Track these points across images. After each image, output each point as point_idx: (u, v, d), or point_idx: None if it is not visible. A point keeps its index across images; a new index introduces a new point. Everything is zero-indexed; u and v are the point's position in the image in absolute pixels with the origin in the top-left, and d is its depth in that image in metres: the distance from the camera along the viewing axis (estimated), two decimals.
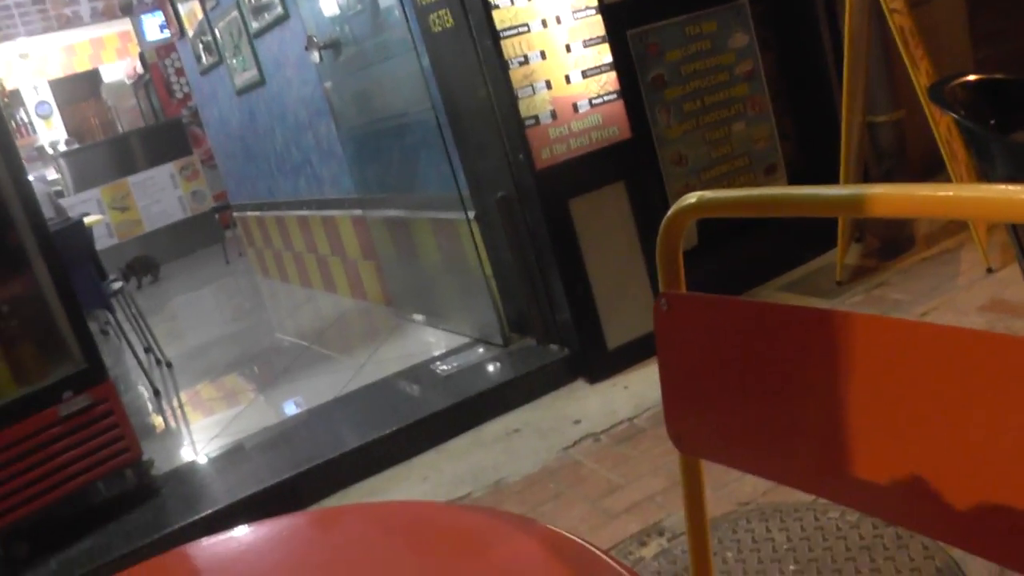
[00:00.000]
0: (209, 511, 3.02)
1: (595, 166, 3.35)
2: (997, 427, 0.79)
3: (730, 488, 2.44)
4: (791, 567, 2.07)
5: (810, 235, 3.96)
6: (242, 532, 1.01)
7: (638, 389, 3.29)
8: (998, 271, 3.31)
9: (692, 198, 1.01)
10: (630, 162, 3.43)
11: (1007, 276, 3.24)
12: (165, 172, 10.06)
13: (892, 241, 3.93)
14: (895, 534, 2.08)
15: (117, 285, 5.14)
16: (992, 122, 2.11)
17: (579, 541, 0.77)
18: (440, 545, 0.86)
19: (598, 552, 0.74)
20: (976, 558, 1.92)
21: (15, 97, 13.08)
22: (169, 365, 5.31)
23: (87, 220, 5.60)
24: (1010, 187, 0.74)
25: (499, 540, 0.86)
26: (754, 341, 0.98)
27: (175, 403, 4.73)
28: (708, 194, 1.00)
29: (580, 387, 3.46)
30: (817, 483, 0.96)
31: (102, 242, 8.71)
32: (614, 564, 0.72)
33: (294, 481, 3.11)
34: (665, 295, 1.04)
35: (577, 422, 3.17)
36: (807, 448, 0.95)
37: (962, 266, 3.51)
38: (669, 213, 1.03)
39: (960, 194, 0.83)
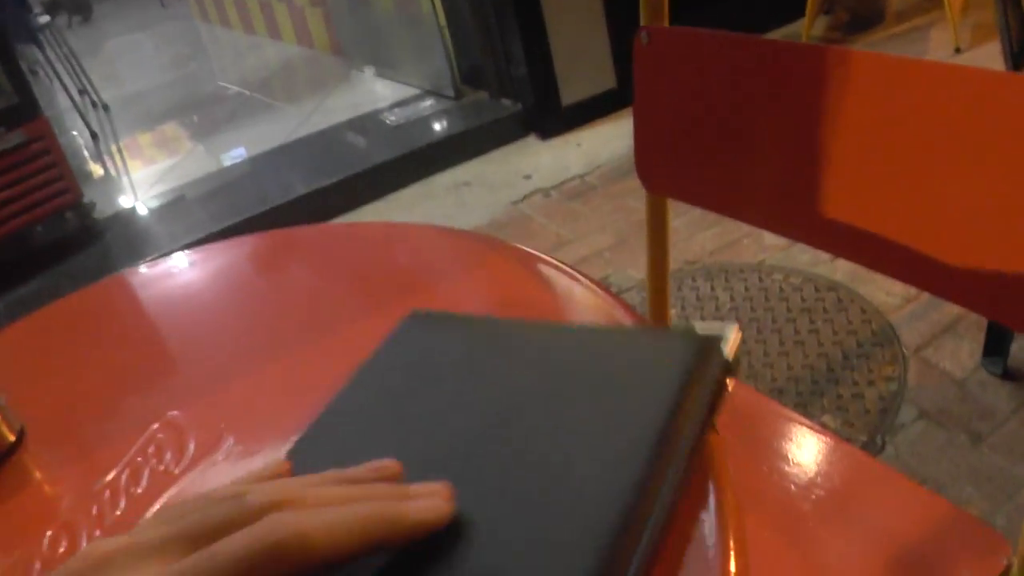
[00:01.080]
0: (155, 256, 3.00)
1: None
2: (970, 166, 0.78)
3: (678, 248, 2.48)
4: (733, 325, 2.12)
5: (777, 3, 3.84)
6: (188, 256, 0.99)
7: (591, 147, 3.26)
8: (966, 51, 3.26)
9: None
10: None
11: (975, 57, 3.20)
12: None
13: (862, 15, 3.84)
14: (836, 298, 2.14)
15: (44, 19, 4.87)
16: None
17: (555, 261, 0.77)
18: (405, 261, 0.85)
19: (577, 273, 0.73)
20: (911, 323, 2.00)
21: None
22: (106, 108, 5.13)
23: None
24: None
25: (470, 255, 0.85)
26: (735, 77, 0.95)
27: (114, 148, 4.60)
28: None
29: (532, 143, 3.42)
30: (788, 223, 0.96)
31: None
32: (589, 282, 0.71)
33: (239, 228, 3.08)
34: (646, 28, 0.99)
35: (528, 177, 3.15)
36: (781, 188, 0.94)
37: (931, 44, 3.46)
38: None
39: None
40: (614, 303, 0.69)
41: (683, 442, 0.45)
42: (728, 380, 0.49)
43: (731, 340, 0.51)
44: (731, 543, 0.44)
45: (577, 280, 0.73)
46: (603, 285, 0.71)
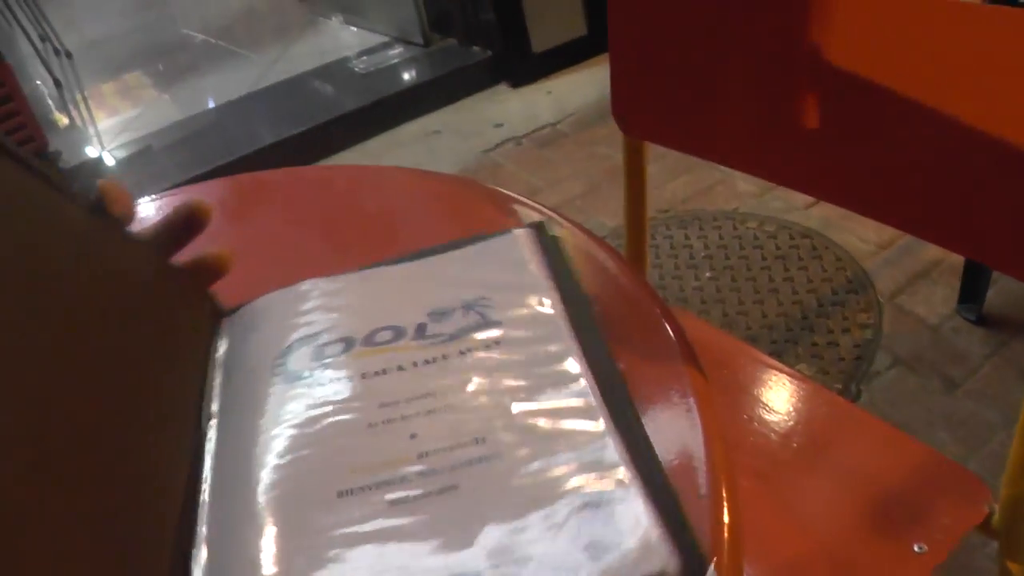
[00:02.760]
0: None
1: None
2: (951, 102, 0.77)
3: (650, 196, 2.43)
4: (707, 274, 2.12)
5: None
6: (156, 200, 0.96)
7: (562, 95, 3.22)
8: None
9: None
10: None
11: None
12: None
13: None
14: (810, 245, 2.13)
15: None
16: None
17: (530, 201, 0.74)
18: (377, 204, 0.82)
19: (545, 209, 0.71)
20: (885, 270, 1.99)
21: None
22: (69, 55, 5.00)
23: None
24: None
25: (442, 198, 0.82)
26: (712, 13, 0.92)
27: (78, 97, 4.50)
28: None
29: (502, 91, 3.37)
30: (767, 165, 0.94)
31: None
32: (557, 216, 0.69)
33: (206, 177, 2.98)
34: None
35: (498, 125, 3.11)
36: (760, 129, 0.91)
37: None
38: None
39: None
40: (593, 243, 0.67)
41: None
42: None
43: None
44: (723, 493, 0.42)
45: (553, 220, 0.71)
46: (581, 226, 0.68)
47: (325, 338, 0.54)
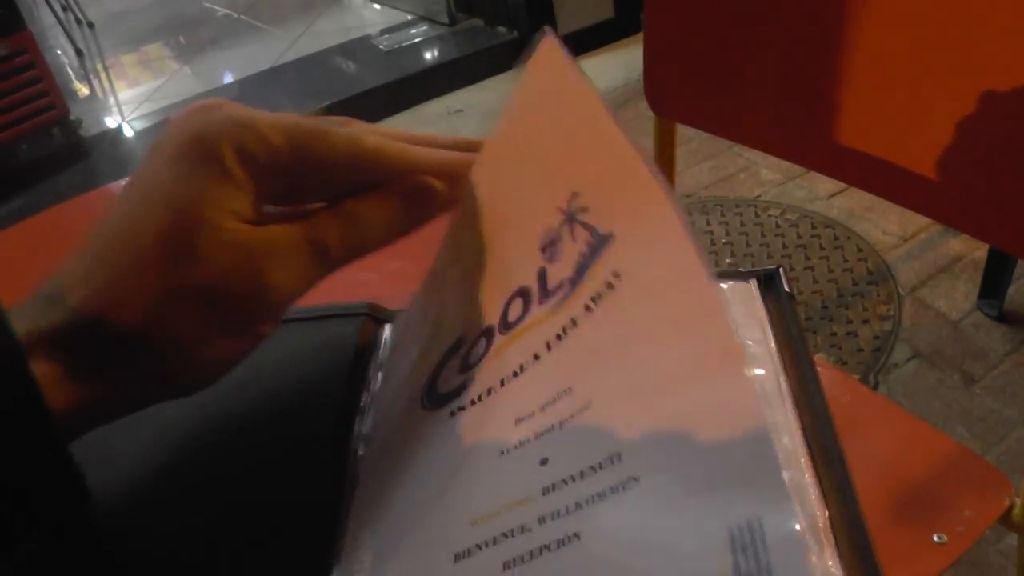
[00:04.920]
0: None
1: None
2: (989, 91, 0.76)
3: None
4: (728, 260, 2.11)
5: None
6: None
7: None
8: None
9: None
10: None
11: None
12: None
13: None
14: (832, 235, 2.12)
15: None
16: None
17: None
18: None
19: None
20: (907, 263, 1.98)
21: None
22: (91, 26, 5.01)
23: None
24: None
25: None
26: None
27: (99, 67, 4.51)
28: None
29: None
30: (800, 151, 0.93)
31: None
32: None
33: None
34: None
35: None
36: (796, 113, 0.91)
37: None
38: None
39: None
40: None
41: None
42: None
43: None
44: None
45: None
46: None
47: (469, 340, 0.42)
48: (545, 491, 0.33)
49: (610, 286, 0.35)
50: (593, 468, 0.32)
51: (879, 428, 0.96)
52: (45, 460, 0.32)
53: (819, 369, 1.03)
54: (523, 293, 0.40)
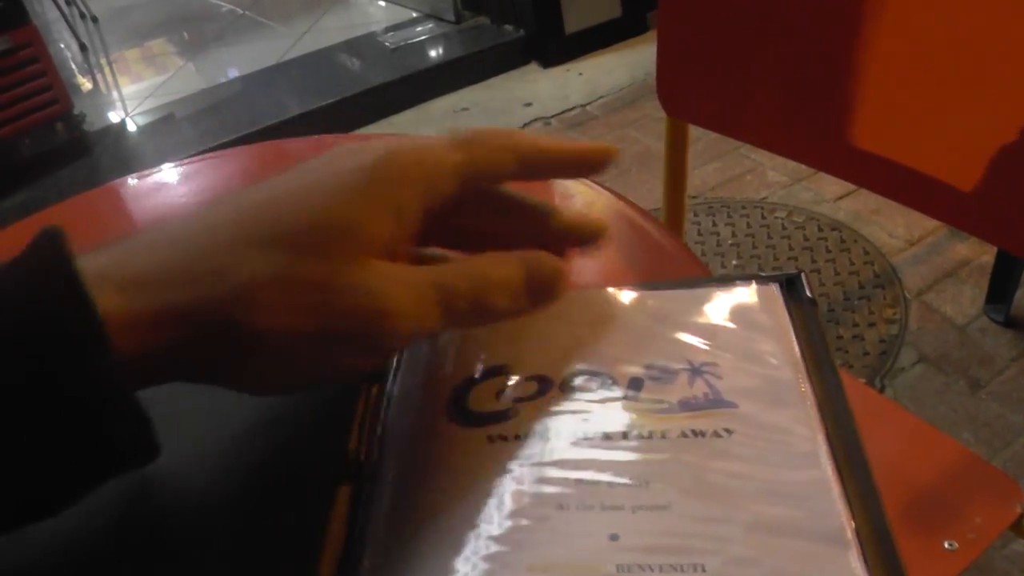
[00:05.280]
0: (146, 171, 2.93)
1: None
2: (999, 93, 0.75)
3: None
4: (734, 261, 2.11)
5: None
6: (178, 168, 0.96)
7: (592, 76, 3.20)
8: None
9: None
10: None
11: None
12: None
13: None
14: (839, 238, 2.11)
15: None
16: None
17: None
18: None
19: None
20: (914, 267, 1.97)
21: None
22: (95, 20, 5.00)
23: None
24: None
25: None
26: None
27: (103, 61, 4.50)
28: None
29: (533, 70, 3.35)
30: (810, 152, 0.93)
31: None
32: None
33: (230, 147, 2.99)
34: None
35: (528, 105, 3.09)
36: (806, 113, 0.90)
37: None
38: None
39: None
40: (638, 213, 0.66)
41: None
42: None
43: None
44: None
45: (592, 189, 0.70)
46: (624, 197, 0.68)
47: (516, 375, 0.42)
48: (620, 569, 0.33)
49: (717, 435, 0.38)
50: (674, 568, 0.32)
51: (887, 432, 0.96)
52: (118, 406, 0.31)
53: None
54: (603, 379, 0.41)
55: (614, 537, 0.34)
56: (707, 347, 0.42)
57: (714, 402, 0.39)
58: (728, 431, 0.38)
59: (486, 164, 0.37)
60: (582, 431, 0.38)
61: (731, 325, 0.44)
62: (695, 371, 0.41)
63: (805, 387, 0.40)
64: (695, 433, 0.38)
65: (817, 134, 0.91)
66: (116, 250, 0.34)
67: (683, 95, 1.02)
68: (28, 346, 0.29)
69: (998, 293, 1.81)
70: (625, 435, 0.38)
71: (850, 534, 0.33)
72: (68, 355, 0.30)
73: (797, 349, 0.42)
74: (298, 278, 0.33)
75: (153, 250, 0.34)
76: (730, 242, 2.17)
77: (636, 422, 0.39)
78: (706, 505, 0.35)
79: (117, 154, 3.14)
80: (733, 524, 0.34)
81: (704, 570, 0.32)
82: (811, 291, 0.46)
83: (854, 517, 0.34)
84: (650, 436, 0.38)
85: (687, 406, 0.39)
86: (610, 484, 0.36)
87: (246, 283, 0.33)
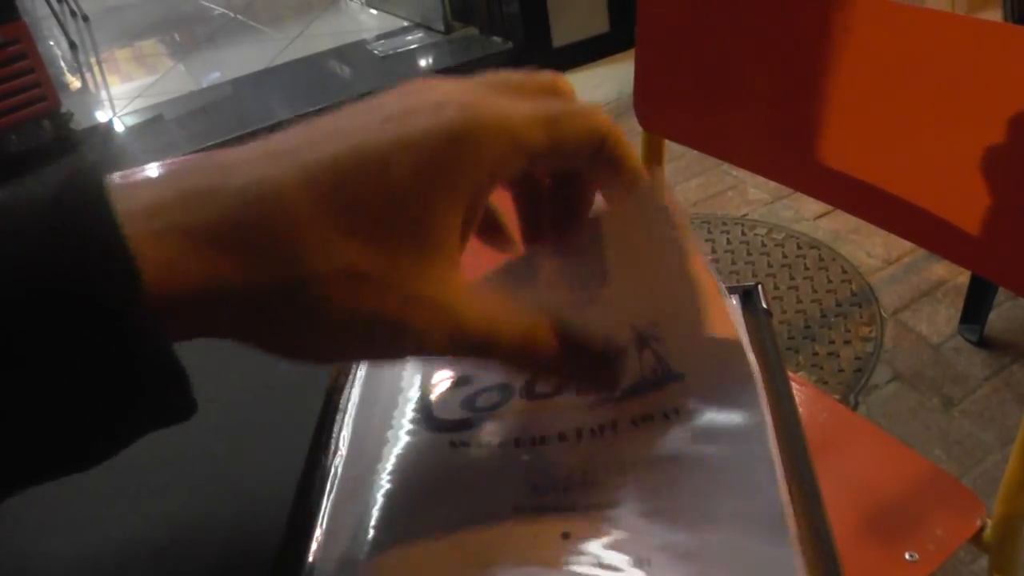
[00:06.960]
0: (131, 171, 2.93)
1: None
2: (970, 119, 0.77)
3: None
4: None
5: None
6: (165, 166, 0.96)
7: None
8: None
9: None
10: None
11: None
12: None
13: None
14: (817, 256, 2.14)
15: None
16: None
17: None
18: None
19: None
20: (890, 286, 2.00)
21: None
22: (85, 18, 5.01)
23: None
24: None
25: None
26: (738, 18, 0.92)
27: (92, 60, 4.50)
28: None
29: None
30: (785, 171, 0.95)
31: None
32: None
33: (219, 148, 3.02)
34: None
35: None
36: (781, 134, 0.92)
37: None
38: None
39: None
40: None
41: None
42: None
43: None
44: None
45: None
46: None
47: (478, 384, 0.43)
48: (565, 566, 0.34)
49: (666, 417, 0.38)
50: (618, 569, 0.33)
51: (856, 448, 0.97)
52: (155, 356, 0.28)
53: (800, 388, 1.04)
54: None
55: (566, 535, 0.35)
56: (648, 311, 0.41)
57: (662, 377, 0.40)
58: (676, 411, 0.38)
59: (562, 153, 0.34)
60: (539, 433, 0.40)
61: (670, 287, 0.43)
62: (641, 339, 0.40)
63: (752, 369, 0.40)
64: (644, 418, 0.39)
65: (792, 154, 0.93)
66: (164, 189, 0.30)
67: (660, 112, 1.04)
68: (60, 273, 0.26)
69: (973, 313, 1.84)
70: (579, 433, 0.39)
71: (792, 530, 0.34)
72: (104, 291, 0.27)
73: (752, 356, 0.42)
74: (383, 283, 0.31)
75: (214, 199, 0.30)
76: (709, 258, 2.17)
77: (587, 418, 0.39)
78: (653, 499, 0.36)
79: (104, 153, 3.15)
80: (679, 517, 0.35)
81: (650, 564, 0.33)
82: (767, 302, 0.48)
83: (796, 516, 0.35)
84: (601, 431, 0.39)
85: (635, 391, 0.39)
86: (565, 489, 0.37)
87: (321, 274, 0.30)
